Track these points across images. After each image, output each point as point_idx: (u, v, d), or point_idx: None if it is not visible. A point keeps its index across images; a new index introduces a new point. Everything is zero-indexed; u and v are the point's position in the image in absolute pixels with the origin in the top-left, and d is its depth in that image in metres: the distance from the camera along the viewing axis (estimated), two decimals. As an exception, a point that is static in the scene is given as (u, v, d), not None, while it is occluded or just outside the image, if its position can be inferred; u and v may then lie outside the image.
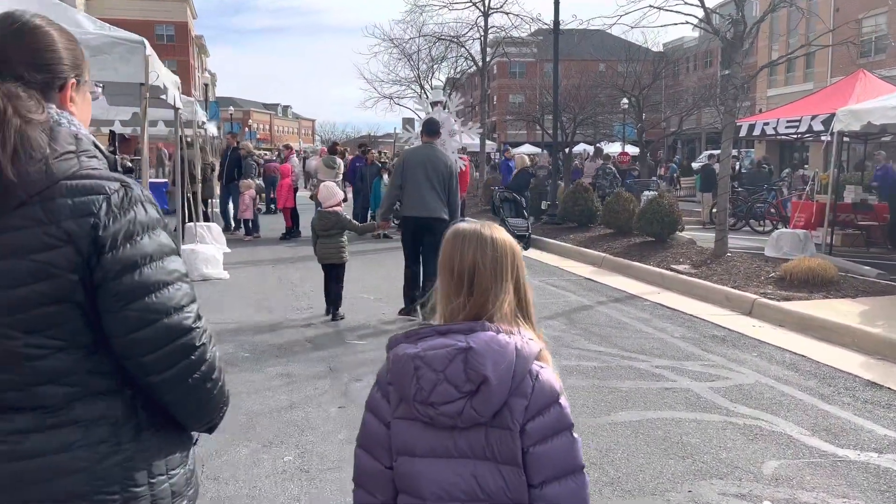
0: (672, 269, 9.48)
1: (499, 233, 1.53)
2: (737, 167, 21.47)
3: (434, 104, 13.40)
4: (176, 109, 8.44)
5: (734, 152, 25.98)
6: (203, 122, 13.39)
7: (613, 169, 16.93)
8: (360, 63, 54.40)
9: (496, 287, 1.47)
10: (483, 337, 1.41)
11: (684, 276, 9.04)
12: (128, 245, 1.23)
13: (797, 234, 11.74)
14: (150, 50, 5.23)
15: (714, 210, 16.91)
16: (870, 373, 5.46)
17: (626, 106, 29.24)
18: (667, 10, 10.67)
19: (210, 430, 1.44)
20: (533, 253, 12.32)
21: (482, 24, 19.80)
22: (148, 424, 1.31)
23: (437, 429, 1.42)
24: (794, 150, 35.67)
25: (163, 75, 5.87)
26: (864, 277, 9.26)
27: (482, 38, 19.89)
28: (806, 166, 31.02)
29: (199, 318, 1.32)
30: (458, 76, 27.24)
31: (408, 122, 16.88)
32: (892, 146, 20.18)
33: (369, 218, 14.14)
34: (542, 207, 15.67)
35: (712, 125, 33.72)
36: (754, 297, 7.68)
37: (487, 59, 20.62)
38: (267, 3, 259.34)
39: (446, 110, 13.45)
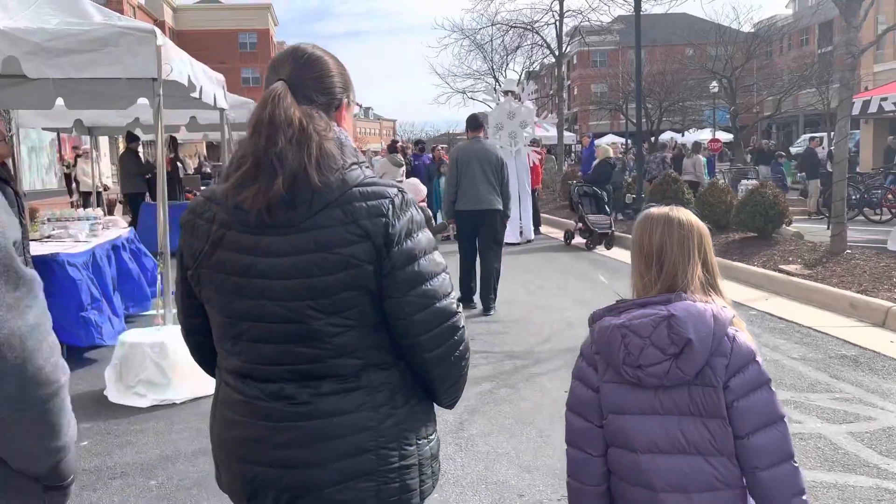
0: (781, 271, 8.20)
1: (685, 215, 1.68)
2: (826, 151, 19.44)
3: (506, 93, 12.44)
4: (221, 111, 7.89)
5: (821, 136, 23.73)
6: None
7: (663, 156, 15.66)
8: (431, 57, 53.46)
9: (684, 263, 1.64)
10: (682, 305, 1.58)
11: (796, 279, 7.76)
12: (409, 241, 1.43)
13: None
14: (162, 39, 4.59)
15: (821, 199, 15.23)
16: None
17: (716, 90, 27.30)
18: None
19: (451, 406, 1.61)
20: (617, 253, 11.19)
21: (557, 8, 18.64)
22: (414, 394, 1.51)
23: (643, 389, 1.61)
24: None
25: (185, 69, 5.22)
26: None
27: (557, 24, 18.72)
28: (921, 146, 28.00)
29: (459, 303, 1.51)
30: (534, 66, 26.06)
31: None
32: None
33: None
34: (627, 201, 14.44)
35: (812, 106, 31.11)
36: (889, 304, 6.36)
37: (564, 45, 19.39)
38: (347, 8, 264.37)
39: (518, 100, 12.47)
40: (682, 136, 48.36)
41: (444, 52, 76.10)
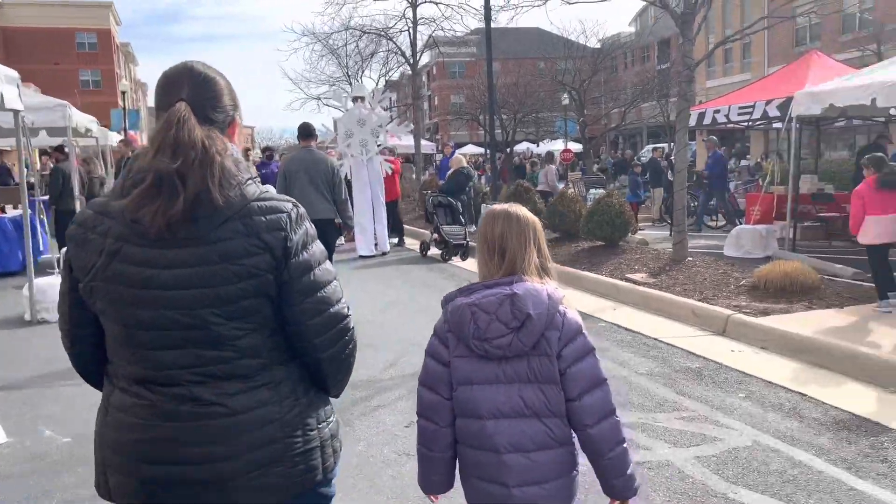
0: (627, 279, 8.24)
1: (522, 211, 1.95)
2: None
3: (355, 99, 11.89)
4: (16, 113, 6.78)
5: (663, 146, 25.35)
6: (89, 130, 11.60)
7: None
8: (282, 61, 51.94)
9: (522, 251, 1.89)
10: (522, 285, 1.82)
11: (642, 288, 7.80)
12: (305, 252, 1.57)
13: (758, 230, 10.69)
14: None
15: (664, 206, 15.96)
16: (893, 419, 4.24)
17: (567, 102, 28.33)
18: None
19: (339, 394, 1.75)
20: (473, 264, 10.96)
21: (410, 16, 18.39)
22: (311, 384, 1.66)
23: (489, 361, 1.83)
24: (736, 140, 35.42)
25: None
26: (841, 279, 8.20)
27: (409, 31, 18.45)
28: (748, 156, 30.61)
29: (348, 307, 1.68)
30: (391, 74, 25.72)
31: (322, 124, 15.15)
32: (849, 131, 19.62)
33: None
34: (482, 211, 14.35)
35: (654, 118, 33.12)
36: (728, 312, 6.45)
37: (418, 54, 19.16)
38: (203, 11, 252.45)
39: (369, 107, 11.96)
40: (538, 146, 50.24)
41: (297, 57, 74.24)
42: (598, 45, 30.87)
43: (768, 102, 11.37)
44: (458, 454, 1.91)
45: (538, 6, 9.72)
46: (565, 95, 27.54)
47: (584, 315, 7.04)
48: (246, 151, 11.73)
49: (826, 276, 7.91)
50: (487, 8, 13.53)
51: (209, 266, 1.45)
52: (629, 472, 1.87)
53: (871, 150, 12.55)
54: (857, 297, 6.86)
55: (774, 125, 13.76)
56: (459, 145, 50.91)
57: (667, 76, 31.90)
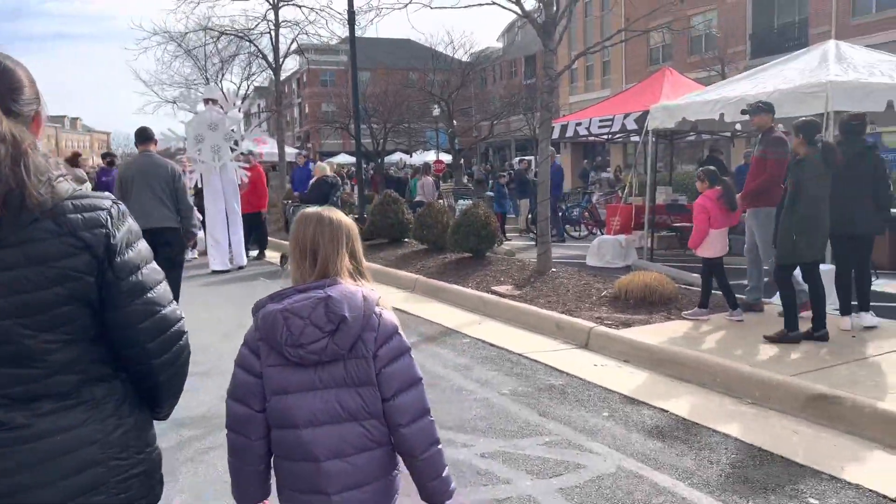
0: (493, 292, 8.03)
1: (336, 214, 1.92)
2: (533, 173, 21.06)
3: (206, 101, 11.00)
4: None
5: (530, 158, 26.06)
6: None
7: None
8: (131, 61, 48.67)
9: (334, 254, 1.85)
10: (337, 288, 1.79)
11: (507, 300, 7.60)
12: (129, 251, 1.46)
13: (618, 240, 10.92)
14: None
15: (530, 216, 16.15)
16: (748, 432, 4.18)
17: (438, 112, 28.38)
18: (470, -7, 9.31)
19: (168, 416, 1.65)
20: (335, 278, 10.42)
21: (272, 18, 17.56)
22: (137, 403, 1.53)
23: (304, 368, 1.78)
24: (597, 153, 37.07)
25: None
26: (696, 288, 8.42)
27: (271, 34, 17.61)
28: (609, 168, 32.04)
29: (180, 310, 1.57)
30: (252, 78, 24.55)
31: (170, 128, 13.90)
32: (697, 145, 20.79)
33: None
34: (349, 222, 13.82)
35: (520, 131, 33.97)
36: (590, 324, 6.35)
37: (282, 58, 18.33)
38: (51, 7, 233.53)
39: (222, 109, 11.11)
40: (411, 156, 50.30)
41: (147, 57, 70.27)
42: (468, 59, 31.24)
43: (626, 116, 11.71)
44: (273, 467, 1.85)
45: (399, 9, 9.37)
46: (435, 106, 27.59)
47: (449, 331, 6.69)
48: (75, 157, 10.38)
49: (682, 286, 8.08)
50: (351, 12, 13.08)
51: (14, 271, 1.32)
52: (444, 474, 1.86)
53: (708, 163, 13.33)
54: (713, 307, 6.99)
55: (632, 138, 14.26)
56: (331, 154, 49.96)
57: (533, 90, 32.83)
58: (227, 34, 18.28)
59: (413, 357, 1.86)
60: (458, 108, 27.21)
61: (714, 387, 4.95)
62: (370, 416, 1.79)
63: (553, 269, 8.75)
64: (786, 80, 8.57)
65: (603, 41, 8.68)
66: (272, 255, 12.46)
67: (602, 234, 15.61)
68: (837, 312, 6.33)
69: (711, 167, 7.08)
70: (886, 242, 10.02)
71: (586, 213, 16.16)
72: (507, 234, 15.09)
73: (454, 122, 30.61)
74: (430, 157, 44.42)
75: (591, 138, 13.82)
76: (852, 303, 6.11)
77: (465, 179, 22.42)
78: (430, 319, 7.40)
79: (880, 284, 8.54)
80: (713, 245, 6.53)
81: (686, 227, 12.99)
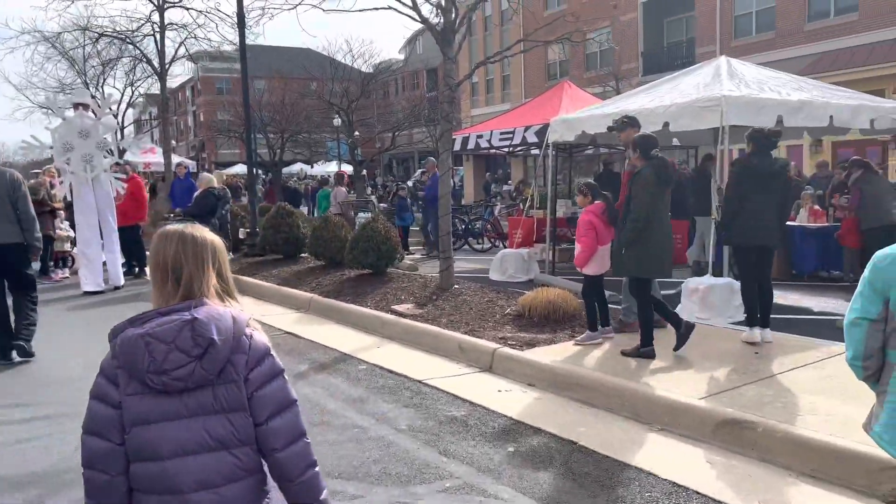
0: (393, 312, 7.57)
1: (199, 231, 1.83)
2: (454, 184, 20.82)
3: (76, 106, 9.97)
4: None
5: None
6: None
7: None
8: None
9: (199, 274, 1.77)
10: (204, 309, 1.71)
11: (408, 321, 7.16)
12: None
13: (520, 253, 10.73)
14: None
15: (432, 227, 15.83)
16: (662, 465, 3.92)
17: (339, 123, 27.70)
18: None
19: None
20: (223, 298, 9.65)
21: (157, 20, 16.45)
22: None
23: (168, 395, 1.68)
24: (498, 166, 37.43)
25: None
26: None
27: (155, 36, 16.48)
28: (509, 181, 32.35)
29: None
30: (137, 83, 23.03)
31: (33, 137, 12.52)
32: (594, 158, 21.11)
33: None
34: (241, 236, 13.00)
35: (423, 142, 33.79)
36: (494, 346, 6.01)
37: (168, 62, 17.20)
38: None
39: (93, 115, 10.11)
40: (312, 167, 49.18)
41: (14, 58, 65.54)
42: (370, 70, 30.77)
43: (527, 129, 11.60)
44: (134, 502, 1.73)
45: (288, 9, 8.83)
46: (336, 117, 26.90)
47: (344, 356, 6.14)
48: None
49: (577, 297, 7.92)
50: (241, 15, 12.33)
51: None
52: (322, 497, 1.81)
53: (604, 176, 13.53)
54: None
55: (533, 151, 14.22)
56: (229, 164, 48.01)
57: (435, 102, 32.77)
58: (107, 35, 16.97)
59: (287, 378, 1.80)
60: (358, 118, 26.64)
61: (622, 411, 4.70)
62: (241, 444, 1.73)
63: (456, 286, 8.40)
64: (682, 94, 8.64)
65: (502, 51, 8.46)
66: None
67: (504, 246, 15.50)
68: (737, 326, 6.31)
69: (592, 181, 6.89)
70: (777, 254, 10.34)
71: (489, 226, 16.01)
72: (411, 248, 14.69)
73: (356, 132, 30.06)
74: (332, 167, 43.59)
75: (493, 151, 13.67)
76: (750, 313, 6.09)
77: (368, 191, 21.88)
78: (323, 344, 6.85)
79: (783, 296, 8.72)
80: (599, 262, 6.23)
81: (587, 239, 13.05)
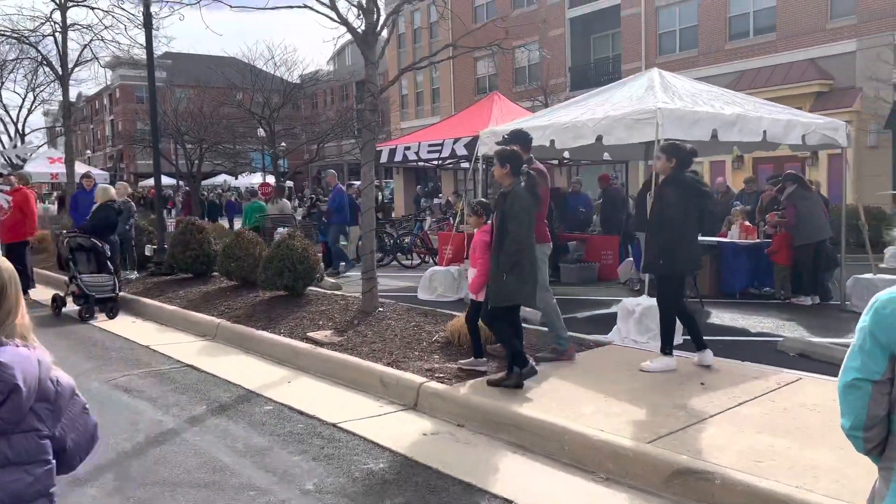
0: (309, 340, 6.84)
1: (4, 263, 1.72)
2: (379, 198, 20.12)
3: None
4: None
5: (356, 183, 25.37)
6: None
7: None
8: None
9: (2, 311, 1.64)
10: (8, 350, 1.58)
11: (325, 350, 6.45)
12: None
13: (450, 271, 10.18)
14: None
15: (360, 245, 15.11)
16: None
17: (263, 134, 26.61)
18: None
19: None
20: (120, 324, 8.67)
21: (59, 19, 15.17)
22: None
23: None
24: (429, 179, 36.98)
25: None
26: (531, 325, 7.79)
27: (56, 37, 15.19)
28: (440, 194, 31.92)
29: None
30: (40, 86, 21.37)
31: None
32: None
33: None
34: (148, 254, 11.94)
35: (352, 154, 33.02)
36: (420, 380, 5.38)
37: (71, 66, 15.89)
38: None
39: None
40: (236, 178, 47.49)
41: None
42: (298, 80, 29.83)
43: (456, 141, 11.10)
44: None
45: (191, 4, 8.06)
46: (261, 129, 25.82)
47: (249, 394, 5.30)
48: None
49: (525, 325, 7.40)
50: (147, 15, 11.38)
51: None
52: None
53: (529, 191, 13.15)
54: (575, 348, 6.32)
55: (462, 164, 13.76)
56: (147, 176, 45.73)
57: (365, 91, 32.04)
58: (1, 35, 15.54)
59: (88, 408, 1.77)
60: (283, 128, 25.67)
61: (562, 457, 4.15)
62: (38, 496, 1.62)
63: (380, 308, 7.74)
64: (615, 106, 8.29)
65: (430, 56, 7.91)
66: (42, 295, 10.30)
67: (434, 263, 14.92)
68: (678, 352, 5.91)
69: (485, 199, 6.37)
70: (708, 271, 10.16)
71: (418, 241, 15.41)
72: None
73: (282, 143, 28.98)
74: (257, 179, 42.16)
75: (421, 163, 13.12)
76: (671, 341, 5.69)
77: (294, 203, 20.88)
78: (226, 378, 6.05)
79: (717, 315, 8.47)
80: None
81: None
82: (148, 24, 11.28)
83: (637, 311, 6.95)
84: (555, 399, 4.89)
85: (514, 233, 4.96)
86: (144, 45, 11.65)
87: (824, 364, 6.09)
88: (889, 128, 19.20)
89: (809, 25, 21.62)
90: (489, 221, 5.49)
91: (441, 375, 5.48)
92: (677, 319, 5.88)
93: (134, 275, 11.59)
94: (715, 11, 24.19)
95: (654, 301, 7.17)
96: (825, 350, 6.38)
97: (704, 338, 5.77)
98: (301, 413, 5.12)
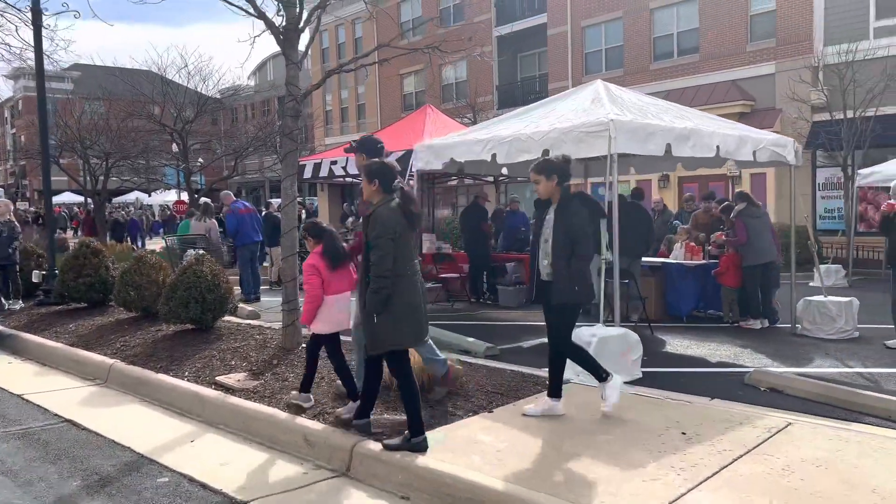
0: (218, 385, 5.78)
1: None
2: (303, 215, 18.97)
3: None
4: None
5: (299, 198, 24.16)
6: None
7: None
8: None
9: None
10: None
11: (237, 399, 5.42)
12: None
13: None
14: None
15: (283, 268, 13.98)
16: None
17: (177, 150, 24.98)
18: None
19: None
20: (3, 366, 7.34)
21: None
22: None
23: None
24: (355, 196, 35.85)
25: None
26: (475, 357, 7.00)
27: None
28: (367, 213, 30.86)
29: None
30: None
31: None
32: (450, 190, 20.21)
33: None
34: (36, 280, 10.49)
35: (273, 170, 31.64)
36: (353, 439, 4.44)
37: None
38: None
39: None
40: (150, 196, 44.99)
41: None
42: (212, 91, 28.31)
43: (388, 155, 10.22)
44: None
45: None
46: (174, 144, 24.21)
47: (139, 460, 3.34)
48: None
49: (460, 356, 6.59)
50: (36, 11, 10.06)
51: None
52: None
53: (472, 210, 12.52)
54: (502, 391, 5.53)
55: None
56: (54, 193, 42.67)
57: (287, 95, 30.78)
58: None
59: None
60: (198, 142, 24.15)
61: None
62: None
63: (304, 345, 6.73)
64: (561, 118, 7.65)
65: (357, 57, 7.08)
66: None
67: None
68: (635, 388, 5.23)
69: (314, 220, 5.64)
70: (653, 294, 9.65)
71: (344, 263, 14.38)
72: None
73: (200, 159, 27.31)
74: (171, 196, 39.94)
75: (348, 179, 12.18)
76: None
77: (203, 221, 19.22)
78: (114, 440, 4.93)
79: (670, 343, 7.87)
80: (327, 317, 4.98)
81: (452, 277, 11.85)
82: (37, 22, 9.96)
83: (593, 342, 6.25)
84: (522, 459, 4.07)
85: (376, 265, 4.14)
86: (28, 42, 10.31)
87: (799, 400, 5.56)
88: (808, 148, 19.64)
89: (731, 48, 22.01)
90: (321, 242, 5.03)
91: (379, 431, 4.57)
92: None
93: (18, 305, 10.15)
94: (640, 32, 24.40)
95: (611, 331, 6.52)
96: (798, 384, 5.85)
97: (667, 369, 5.11)
98: (204, 487, 4.09)
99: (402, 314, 4.21)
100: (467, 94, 28.94)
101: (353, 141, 5.66)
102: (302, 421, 4.80)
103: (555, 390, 5.00)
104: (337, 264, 5.00)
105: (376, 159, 4.72)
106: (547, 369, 5.07)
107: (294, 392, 5.22)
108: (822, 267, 13.49)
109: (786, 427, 4.52)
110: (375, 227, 4.19)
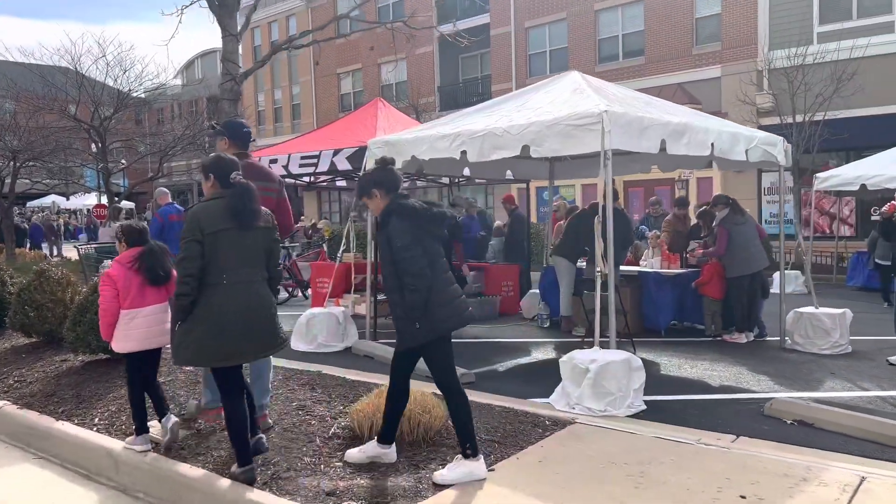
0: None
1: None
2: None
3: None
4: None
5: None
6: None
7: None
8: None
9: None
10: None
11: (163, 459, 4.24)
12: None
13: (333, 314, 8.15)
14: None
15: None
16: None
17: (97, 150, 23.00)
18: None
19: None
20: None
21: None
22: None
23: None
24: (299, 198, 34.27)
25: None
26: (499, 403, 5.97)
27: None
28: (303, 217, 29.37)
29: None
30: None
31: None
32: (408, 191, 19.10)
33: None
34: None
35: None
36: (320, 517, 3.36)
37: None
38: None
39: None
40: (68, 199, 42.08)
41: None
42: (135, 87, 26.37)
43: (336, 153, 9.11)
44: None
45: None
46: (93, 144, 22.27)
47: None
48: None
49: (426, 382, 5.56)
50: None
51: None
52: None
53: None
54: (497, 437, 4.53)
55: (338, 182, 11.77)
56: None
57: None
58: None
59: None
60: (118, 141, 22.27)
61: None
62: None
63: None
64: (539, 111, 6.72)
65: (291, 38, 5.98)
66: None
67: (306, 296, 12.81)
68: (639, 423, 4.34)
69: (133, 222, 4.68)
70: (630, 306, 8.86)
71: (286, 272, 13.13)
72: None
73: (122, 160, 25.36)
74: (91, 200, 37.33)
75: (289, 180, 10.97)
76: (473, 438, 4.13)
77: (110, 227, 17.44)
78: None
79: (657, 361, 7.01)
80: (125, 333, 4.32)
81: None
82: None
83: (593, 369, 5.35)
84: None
85: (177, 266, 3.76)
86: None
87: (836, 436, 4.78)
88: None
89: (676, 51, 21.82)
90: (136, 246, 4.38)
91: (349, 498, 3.50)
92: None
93: None
94: (584, 34, 23.99)
95: (612, 355, 5.62)
96: (830, 416, 5.07)
97: (668, 397, 4.26)
98: None
99: (205, 329, 3.63)
100: (408, 94, 27.97)
101: (216, 124, 4.71)
102: (251, 492, 3.66)
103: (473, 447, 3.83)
104: (151, 281, 4.33)
105: (213, 154, 4.02)
106: (541, 399, 4.04)
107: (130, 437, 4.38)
108: (791, 274, 13.17)
109: (860, 484, 3.68)
110: (205, 223, 3.66)
